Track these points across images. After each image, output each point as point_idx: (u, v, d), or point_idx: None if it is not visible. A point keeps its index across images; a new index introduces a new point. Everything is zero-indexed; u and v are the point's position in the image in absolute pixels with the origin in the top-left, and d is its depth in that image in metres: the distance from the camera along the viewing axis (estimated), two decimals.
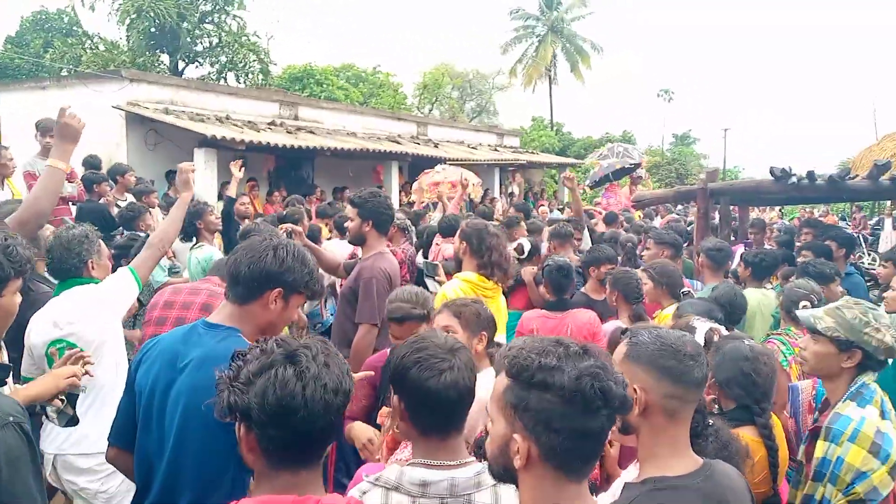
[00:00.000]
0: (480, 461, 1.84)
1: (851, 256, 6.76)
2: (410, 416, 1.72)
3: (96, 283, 2.94)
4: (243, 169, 3.35)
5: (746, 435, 2.27)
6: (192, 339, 2.00)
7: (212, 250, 4.97)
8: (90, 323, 2.79)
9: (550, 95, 39.67)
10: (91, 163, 7.82)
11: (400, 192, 14.91)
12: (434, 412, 1.69)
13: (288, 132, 13.19)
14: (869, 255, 14.39)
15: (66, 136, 3.02)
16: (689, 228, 8.62)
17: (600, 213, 9.45)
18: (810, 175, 6.01)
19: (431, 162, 16.42)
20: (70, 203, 6.35)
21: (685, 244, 6.88)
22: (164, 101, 12.09)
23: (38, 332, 2.77)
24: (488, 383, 2.34)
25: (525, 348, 1.38)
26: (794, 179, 5.94)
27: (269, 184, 13.28)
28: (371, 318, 3.60)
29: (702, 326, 3.17)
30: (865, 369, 2.33)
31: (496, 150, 20.41)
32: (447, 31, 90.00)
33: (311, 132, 13.97)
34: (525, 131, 32.34)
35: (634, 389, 1.59)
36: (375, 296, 3.56)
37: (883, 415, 2.24)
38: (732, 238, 7.68)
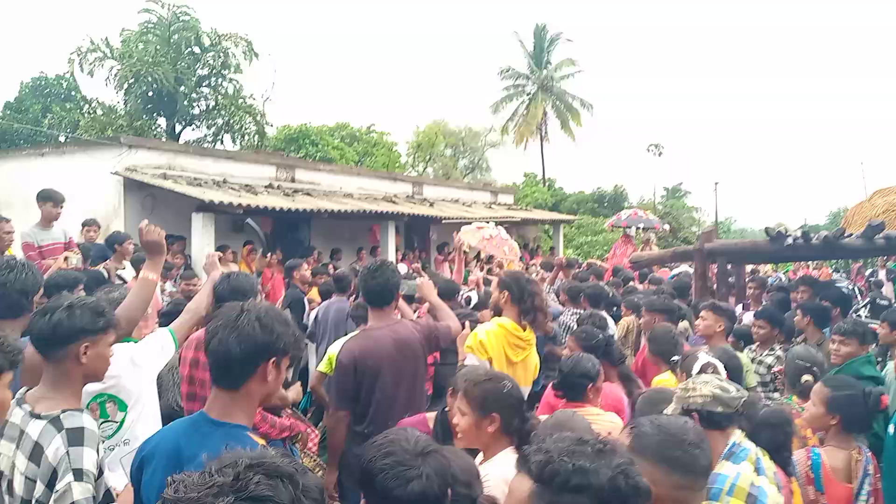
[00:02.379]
0: None
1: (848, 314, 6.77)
2: None
3: (135, 342, 3.05)
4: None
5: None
6: (196, 439, 1.90)
7: None
8: (131, 377, 2.89)
9: (542, 151, 40.29)
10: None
11: (396, 251, 14.96)
12: None
13: (285, 195, 13.31)
14: (866, 307, 14.37)
15: (153, 250, 3.26)
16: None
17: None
18: (805, 236, 6.10)
19: (427, 221, 16.56)
20: None
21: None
22: (162, 166, 12.21)
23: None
24: (505, 468, 2.33)
25: (552, 451, 1.36)
26: (789, 241, 6.02)
27: (265, 246, 13.32)
28: (332, 401, 3.57)
29: (703, 358, 3.43)
30: (716, 426, 2.36)
31: (490, 207, 20.61)
32: (440, 90, 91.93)
33: (308, 194, 14.10)
34: (518, 187, 32.73)
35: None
36: (338, 380, 3.49)
37: (758, 471, 2.31)
38: (731, 297, 7.69)
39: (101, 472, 2.19)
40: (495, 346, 3.82)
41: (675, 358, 4.14)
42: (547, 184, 37.82)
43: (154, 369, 3.04)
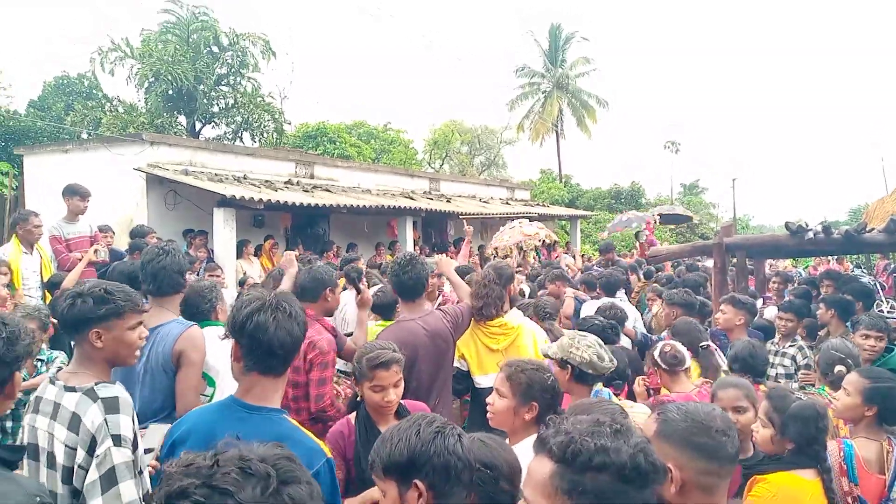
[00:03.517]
0: None
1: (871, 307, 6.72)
2: (445, 496, 1.62)
3: (222, 325, 3.29)
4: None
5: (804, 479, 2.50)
6: (232, 424, 1.90)
7: None
8: (216, 357, 3.14)
9: (558, 148, 40.22)
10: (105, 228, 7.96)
11: (414, 246, 15.03)
12: (464, 479, 1.65)
13: (304, 191, 13.41)
14: (887, 302, 14.19)
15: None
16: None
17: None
18: (826, 230, 6.06)
19: (444, 216, 16.60)
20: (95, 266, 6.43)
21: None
22: (184, 162, 12.35)
23: None
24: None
25: (572, 432, 1.36)
26: (810, 235, 5.99)
27: (286, 241, 13.46)
28: None
29: (661, 342, 3.75)
30: (583, 382, 3.00)
31: (507, 203, 20.61)
32: (455, 89, 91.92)
33: (327, 190, 14.20)
34: (534, 184, 32.65)
35: (669, 468, 1.59)
36: None
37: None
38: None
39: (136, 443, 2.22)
40: (467, 340, 4.01)
41: (704, 344, 4.21)
42: (563, 180, 37.69)
43: None
